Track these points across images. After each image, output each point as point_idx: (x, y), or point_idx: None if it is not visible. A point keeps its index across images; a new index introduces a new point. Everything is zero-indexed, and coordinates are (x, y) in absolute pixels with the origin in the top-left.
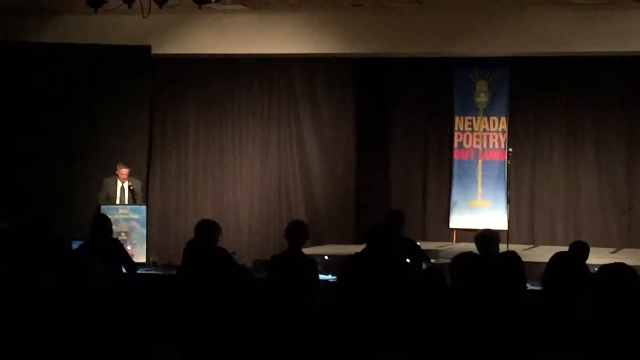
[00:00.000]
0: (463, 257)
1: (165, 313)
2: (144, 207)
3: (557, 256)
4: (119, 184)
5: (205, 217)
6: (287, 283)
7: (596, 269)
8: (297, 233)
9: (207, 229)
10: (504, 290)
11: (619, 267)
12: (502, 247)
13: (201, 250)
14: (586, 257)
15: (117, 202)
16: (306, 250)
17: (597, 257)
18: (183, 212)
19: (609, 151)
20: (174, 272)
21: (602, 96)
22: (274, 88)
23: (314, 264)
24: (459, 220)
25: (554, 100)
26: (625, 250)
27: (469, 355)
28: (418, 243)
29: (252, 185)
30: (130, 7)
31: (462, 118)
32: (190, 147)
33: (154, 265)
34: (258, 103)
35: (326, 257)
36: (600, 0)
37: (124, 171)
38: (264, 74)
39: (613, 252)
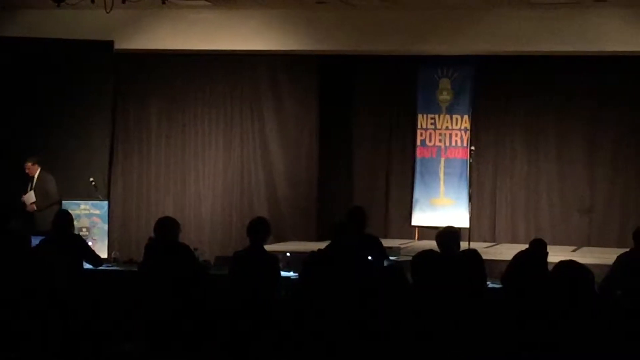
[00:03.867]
0: (424, 255)
1: (126, 309)
2: (105, 203)
3: (518, 254)
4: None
5: (167, 213)
6: (249, 279)
7: None
8: (259, 230)
9: (166, 226)
10: (464, 287)
11: (570, 264)
12: (464, 245)
13: (163, 247)
14: (545, 255)
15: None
16: (268, 247)
17: (558, 256)
18: (145, 208)
19: (571, 150)
20: (135, 268)
21: (565, 95)
22: (238, 85)
23: (275, 261)
24: (421, 217)
25: (516, 99)
26: (585, 248)
27: (429, 351)
28: (380, 240)
29: (214, 182)
30: (93, 1)
31: (425, 116)
32: (153, 143)
33: (115, 261)
34: (221, 100)
35: (288, 254)
36: (563, 0)
37: (27, 165)
38: (228, 70)
39: (574, 251)
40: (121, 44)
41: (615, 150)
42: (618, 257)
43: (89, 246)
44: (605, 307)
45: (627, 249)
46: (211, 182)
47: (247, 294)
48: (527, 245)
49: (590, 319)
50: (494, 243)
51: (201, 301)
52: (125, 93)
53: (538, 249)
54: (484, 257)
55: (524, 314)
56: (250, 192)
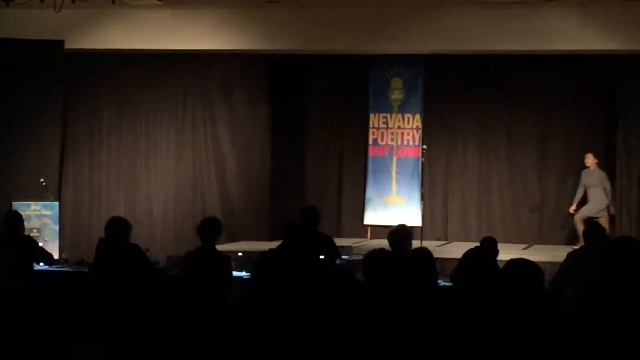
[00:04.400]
0: (376, 254)
1: (77, 311)
2: (56, 204)
3: (468, 252)
4: None
5: (119, 214)
6: (201, 279)
7: None
8: (210, 229)
9: (117, 227)
10: (415, 286)
11: (520, 262)
12: (416, 244)
13: (114, 247)
14: (495, 253)
15: None
16: (220, 247)
17: (509, 254)
18: (96, 208)
19: (521, 149)
20: (86, 270)
21: (516, 94)
22: (189, 85)
23: (227, 261)
24: (373, 216)
25: (468, 98)
26: (536, 246)
27: (380, 349)
28: (333, 239)
29: (166, 182)
30: (42, 1)
31: (377, 115)
32: (104, 143)
33: (66, 262)
34: (173, 99)
35: (240, 254)
36: None
37: None
38: (180, 70)
39: (525, 249)
40: (71, 44)
41: (566, 148)
42: (568, 255)
43: (39, 245)
44: (555, 304)
45: (577, 247)
46: (163, 182)
47: (199, 293)
48: (478, 244)
49: (541, 315)
50: (446, 241)
51: (152, 301)
52: (76, 93)
53: (488, 247)
54: (436, 255)
55: (475, 312)
56: (202, 191)
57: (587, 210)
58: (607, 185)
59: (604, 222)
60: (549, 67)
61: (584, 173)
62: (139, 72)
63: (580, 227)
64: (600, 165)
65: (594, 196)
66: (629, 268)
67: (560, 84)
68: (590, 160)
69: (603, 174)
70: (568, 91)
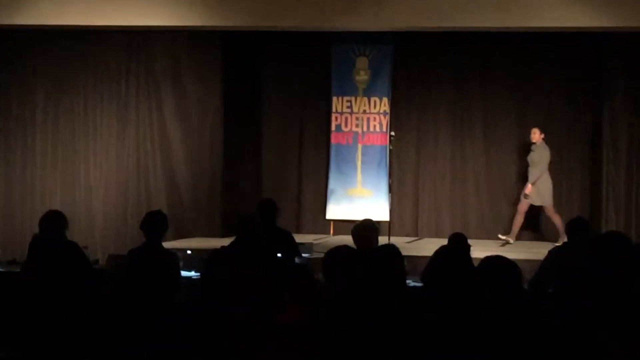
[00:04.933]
0: (338, 251)
1: (7, 313)
2: None
3: (439, 250)
4: None
5: (55, 207)
6: (145, 280)
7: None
8: (155, 224)
9: (52, 222)
10: (381, 287)
11: (496, 260)
12: (384, 240)
13: (48, 245)
14: (467, 249)
15: None
16: (167, 244)
17: (485, 251)
18: (29, 202)
19: (499, 136)
20: (18, 270)
21: (492, 76)
22: (133, 65)
23: (175, 259)
24: (336, 210)
25: (441, 79)
26: (515, 243)
27: (343, 353)
28: (292, 235)
29: (107, 172)
30: None
31: (340, 98)
32: (38, 130)
33: None
34: (114, 81)
35: (189, 252)
36: None
37: None
38: (121, 48)
39: (502, 245)
40: (1, 20)
41: (548, 135)
42: (550, 252)
43: None
44: (534, 306)
45: (560, 243)
46: (103, 172)
47: (143, 296)
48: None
49: (518, 318)
50: (417, 237)
51: (92, 304)
52: (6, 74)
53: (457, 243)
54: (405, 253)
55: (447, 314)
56: (147, 182)
57: (545, 199)
58: (541, 164)
59: (548, 209)
60: (530, 46)
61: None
62: (75, 51)
63: (557, 220)
64: (585, 152)
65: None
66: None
67: (543, 65)
68: (536, 134)
69: (545, 151)
70: (551, 73)
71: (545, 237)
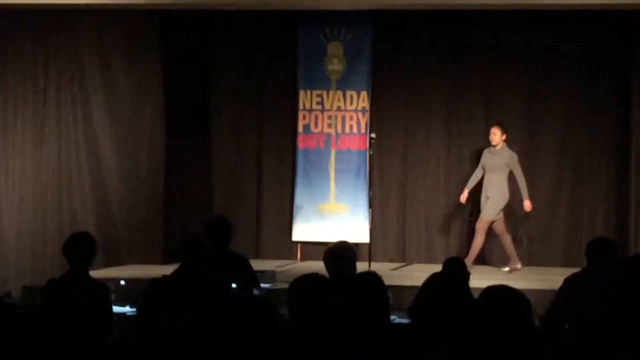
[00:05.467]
0: (306, 280)
1: None
2: None
3: (430, 278)
4: None
5: None
6: (68, 317)
7: None
8: (81, 249)
9: None
10: (359, 324)
11: (501, 290)
12: (363, 267)
13: None
14: (465, 277)
15: None
16: (95, 273)
17: (488, 279)
18: None
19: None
20: None
21: (495, 64)
22: (52, 52)
23: (105, 291)
24: (304, 230)
25: (431, 70)
26: (524, 269)
27: None
28: (249, 262)
29: (21, 185)
30: None
31: (308, 92)
32: None
33: None
34: (30, 72)
35: (123, 282)
36: None
37: None
38: (39, 32)
39: (509, 272)
40: None
41: (563, 135)
42: (566, 280)
43: None
44: (548, 345)
45: (578, 269)
46: (17, 185)
47: (66, 336)
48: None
49: None
50: (403, 263)
51: (2, 344)
52: None
53: (454, 270)
54: (389, 282)
55: (440, 356)
56: (71, 198)
57: (489, 211)
58: (518, 171)
59: (498, 225)
60: (540, 27)
61: (486, 152)
62: None
63: (480, 238)
64: (608, 155)
65: (495, 187)
66: None
67: (555, 50)
68: (497, 136)
69: (513, 156)
70: (565, 59)
71: (561, 261)
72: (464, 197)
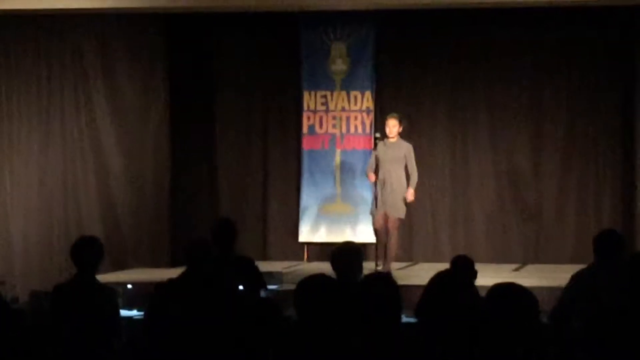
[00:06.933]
0: (313, 282)
1: None
2: None
3: (436, 277)
4: None
5: None
6: (76, 321)
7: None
8: (88, 253)
9: None
10: (370, 325)
11: (508, 288)
12: (370, 267)
13: None
14: (472, 276)
15: None
16: (102, 277)
17: (495, 277)
18: None
19: (509, 136)
20: None
21: (499, 63)
22: (56, 57)
23: (112, 295)
24: (310, 231)
25: (436, 69)
26: (531, 266)
27: None
28: (256, 263)
29: (27, 191)
30: None
31: (312, 93)
32: None
33: None
34: (34, 78)
35: (130, 286)
36: None
37: None
38: (42, 38)
39: (516, 270)
40: None
41: (568, 131)
42: (573, 277)
43: None
44: (555, 343)
45: (585, 265)
46: (23, 191)
47: (74, 340)
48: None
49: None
50: (410, 263)
51: (9, 353)
52: None
53: (461, 269)
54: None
55: (447, 356)
56: (77, 202)
57: (400, 210)
58: (413, 163)
59: (395, 222)
60: (544, 25)
61: (381, 144)
62: None
63: (395, 237)
64: (614, 152)
65: (397, 181)
66: None
67: (560, 48)
68: (395, 127)
69: (409, 148)
70: (569, 57)
71: (568, 258)
72: (372, 178)
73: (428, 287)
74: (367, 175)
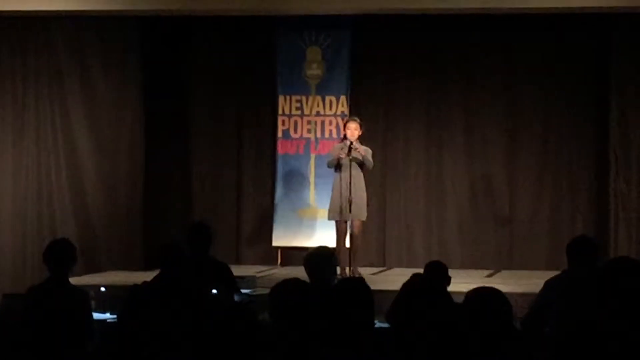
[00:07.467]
0: (287, 286)
1: None
2: None
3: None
4: None
5: None
6: (49, 324)
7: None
8: (60, 256)
9: None
10: (342, 330)
11: (481, 293)
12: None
13: None
14: (445, 281)
15: None
16: (75, 279)
17: (469, 283)
18: None
19: (483, 141)
20: None
21: (477, 70)
22: (30, 59)
23: (85, 298)
24: (284, 235)
25: (411, 74)
26: (504, 272)
27: None
28: (230, 267)
29: (0, 192)
30: None
31: (287, 97)
32: None
33: None
34: (8, 80)
35: (103, 289)
36: None
37: None
38: (15, 39)
39: (489, 276)
40: None
41: (543, 138)
42: (546, 283)
43: None
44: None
45: (559, 272)
46: None
47: (46, 343)
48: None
49: None
50: (383, 268)
51: None
52: None
53: (434, 274)
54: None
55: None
56: (50, 204)
57: (363, 213)
58: (371, 166)
59: (360, 226)
60: (519, 31)
61: (336, 147)
62: None
63: (359, 241)
64: (588, 157)
65: (358, 184)
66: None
67: (534, 55)
68: (356, 130)
69: (368, 151)
70: (545, 64)
71: (542, 264)
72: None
73: (401, 292)
74: (331, 161)
